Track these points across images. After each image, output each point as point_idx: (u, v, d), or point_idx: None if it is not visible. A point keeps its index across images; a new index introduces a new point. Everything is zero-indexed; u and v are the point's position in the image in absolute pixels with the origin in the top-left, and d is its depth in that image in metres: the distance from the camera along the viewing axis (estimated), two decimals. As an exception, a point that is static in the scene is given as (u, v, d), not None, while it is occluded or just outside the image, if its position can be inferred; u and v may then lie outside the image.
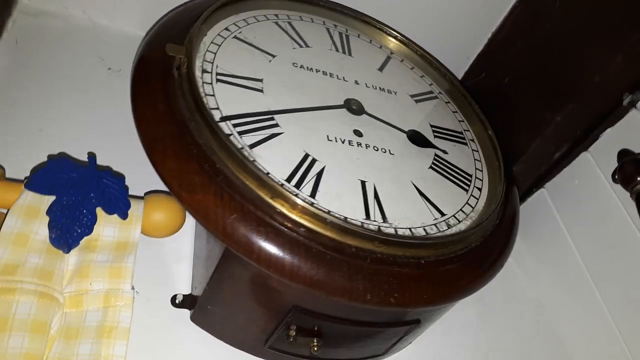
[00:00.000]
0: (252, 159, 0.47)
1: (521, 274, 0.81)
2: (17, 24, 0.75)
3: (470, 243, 0.52)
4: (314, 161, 0.51)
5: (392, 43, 0.74)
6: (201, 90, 0.51)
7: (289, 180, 0.48)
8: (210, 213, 0.43)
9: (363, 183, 0.52)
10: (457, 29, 0.87)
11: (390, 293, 0.45)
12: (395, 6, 0.81)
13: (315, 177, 0.49)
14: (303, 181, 0.48)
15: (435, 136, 0.63)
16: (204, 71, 0.53)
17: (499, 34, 0.88)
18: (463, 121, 0.68)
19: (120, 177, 0.49)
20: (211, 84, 0.52)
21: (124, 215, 0.47)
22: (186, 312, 0.54)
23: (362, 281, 0.44)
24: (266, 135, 0.50)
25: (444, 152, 0.61)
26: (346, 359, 0.55)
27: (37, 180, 0.44)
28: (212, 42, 0.57)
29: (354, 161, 0.53)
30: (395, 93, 0.66)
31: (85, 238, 0.45)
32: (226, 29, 0.60)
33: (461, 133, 0.66)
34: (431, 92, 0.70)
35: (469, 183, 0.59)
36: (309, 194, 0.47)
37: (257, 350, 0.53)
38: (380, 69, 0.69)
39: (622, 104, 0.69)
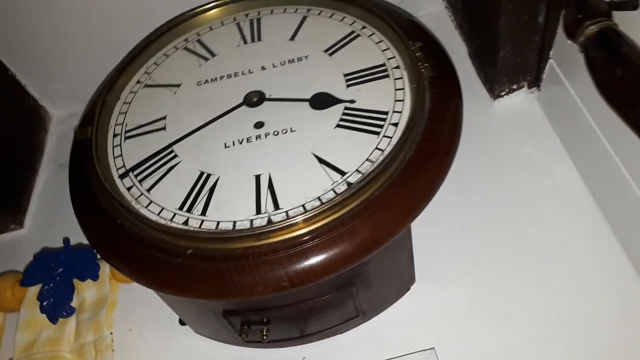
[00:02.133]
0: (147, 203, 0.54)
1: (554, 165, 0.70)
2: (55, 137, 0.94)
3: (372, 193, 0.49)
4: (208, 176, 0.55)
5: (307, 0, 0.70)
6: (110, 156, 0.59)
7: (181, 207, 0.53)
8: (120, 262, 0.52)
9: (257, 177, 0.54)
10: None
11: (280, 279, 0.47)
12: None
13: (208, 192, 0.54)
14: (196, 201, 0.53)
15: (348, 85, 0.60)
16: (114, 135, 0.62)
17: None
18: (388, 49, 0.62)
19: (89, 248, 0.61)
20: (120, 145, 0.60)
21: (95, 278, 0.59)
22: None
23: (249, 278, 0.47)
24: (164, 171, 0.57)
25: (352, 101, 0.58)
26: (323, 329, 0.59)
27: (27, 277, 0.59)
28: (124, 103, 0.65)
29: (249, 158, 0.55)
30: (307, 57, 0.64)
31: (77, 303, 0.59)
32: (138, 81, 0.67)
33: (383, 65, 0.61)
34: (352, 32, 0.65)
35: (382, 123, 0.55)
36: (200, 212, 0.52)
37: (243, 343, 0.60)
38: (292, 37, 0.67)
39: None
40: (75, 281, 0.59)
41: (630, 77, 0.40)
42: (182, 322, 0.65)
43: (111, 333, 0.58)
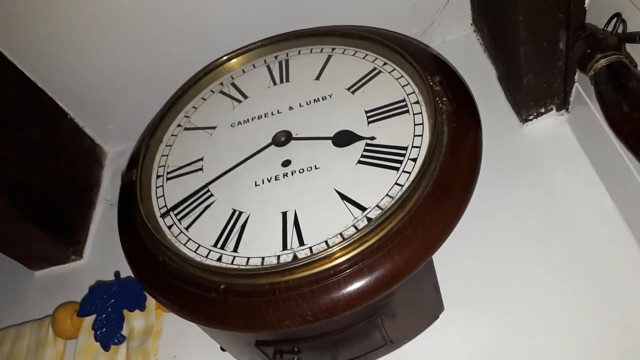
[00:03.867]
0: (185, 241, 0.59)
1: (586, 188, 0.69)
2: (110, 172, 1.03)
3: (391, 229, 0.52)
4: (240, 214, 0.59)
5: (332, 40, 0.74)
6: (153, 197, 0.65)
7: (216, 244, 0.57)
8: (161, 295, 0.57)
9: (284, 214, 0.57)
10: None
11: (304, 313, 0.50)
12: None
13: (239, 229, 0.58)
14: (229, 238, 0.58)
15: (369, 122, 0.63)
16: (157, 177, 0.67)
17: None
18: (408, 84, 0.65)
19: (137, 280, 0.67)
20: (162, 186, 0.66)
21: (142, 308, 0.64)
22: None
23: (276, 312, 0.51)
24: (201, 210, 0.61)
25: (372, 138, 0.60)
26: (354, 357, 0.61)
27: (83, 308, 0.65)
28: (166, 145, 0.71)
29: (276, 196, 0.59)
30: (331, 96, 0.68)
31: (127, 332, 0.64)
32: (178, 125, 0.73)
33: (403, 100, 0.63)
34: (374, 69, 0.68)
35: (401, 159, 0.58)
36: (233, 249, 0.56)
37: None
38: (318, 76, 0.71)
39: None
40: (125, 311, 0.65)
41: (637, 114, 0.40)
42: (222, 349, 0.69)
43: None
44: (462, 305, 0.65)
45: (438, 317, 0.64)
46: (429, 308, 0.63)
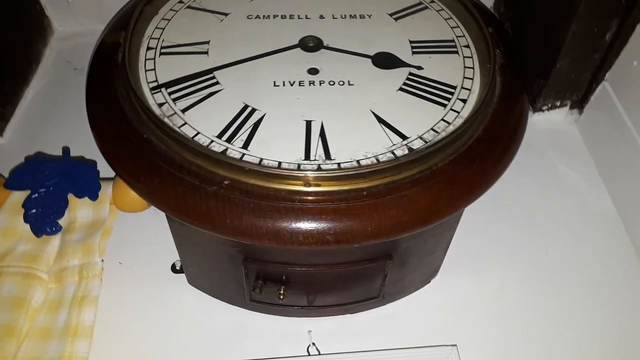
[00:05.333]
0: (180, 124, 0.48)
1: (588, 188, 0.68)
2: (54, 52, 0.85)
3: (435, 163, 0.45)
4: (253, 111, 0.49)
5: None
6: (141, 67, 0.53)
7: (220, 135, 0.47)
8: (140, 180, 0.45)
9: (309, 123, 0.49)
10: None
11: (324, 233, 0.42)
12: None
13: (252, 127, 0.48)
14: (237, 133, 0.47)
15: (413, 52, 0.56)
16: (148, 49, 0.55)
17: None
18: (457, 27, 0.59)
19: (91, 163, 0.53)
20: (153, 59, 0.54)
21: (93, 197, 0.51)
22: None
23: (291, 223, 0.42)
24: (203, 95, 0.50)
25: (419, 68, 0.54)
26: (337, 303, 0.53)
27: (14, 179, 0.51)
28: (162, 19, 0.58)
29: (301, 102, 0.50)
30: (370, 16, 0.60)
31: (66, 222, 0.51)
32: (180, 1, 0.61)
33: (452, 41, 0.57)
34: (420, 3, 0.62)
35: (449, 97, 0.51)
36: (242, 146, 0.46)
37: (245, 304, 0.54)
38: (356, -6, 0.63)
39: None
40: (70, 197, 0.51)
41: None
42: (175, 270, 0.58)
43: (102, 260, 0.51)
44: (456, 274, 0.60)
45: (429, 281, 0.59)
46: (430, 268, 0.57)
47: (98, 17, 0.87)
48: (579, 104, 0.73)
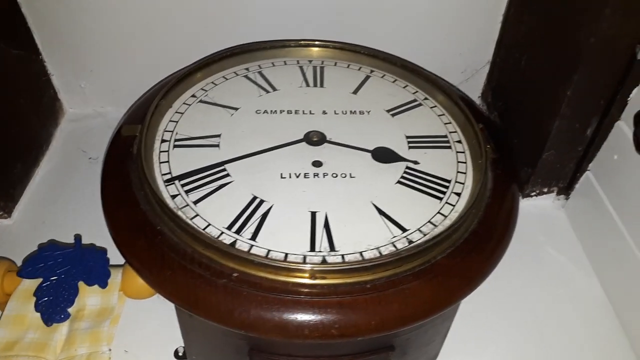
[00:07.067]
0: (192, 216, 0.50)
1: (577, 272, 0.71)
2: (64, 134, 0.89)
3: (434, 256, 0.48)
4: (261, 202, 0.52)
5: (372, 61, 0.72)
6: (155, 159, 0.56)
7: (230, 227, 0.50)
8: (152, 272, 0.47)
9: (313, 214, 0.51)
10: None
11: (330, 326, 0.43)
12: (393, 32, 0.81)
13: (260, 217, 0.51)
14: (246, 224, 0.50)
15: (410, 147, 0.60)
16: (162, 141, 0.58)
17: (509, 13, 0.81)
18: (450, 123, 0.64)
19: (102, 251, 0.55)
20: (167, 151, 0.57)
21: (103, 285, 0.53)
22: (188, 364, 0.58)
23: (297, 317, 0.44)
24: (214, 187, 0.53)
25: (415, 162, 0.58)
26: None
27: (27, 267, 0.52)
28: (176, 112, 0.62)
29: (306, 194, 0.53)
30: (369, 112, 0.65)
31: (75, 309, 0.52)
32: (193, 95, 0.65)
33: (445, 136, 0.62)
34: (414, 100, 0.67)
35: (445, 190, 0.55)
36: (250, 237, 0.49)
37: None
38: (355, 91, 0.68)
39: (636, 59, 0.59)
40: (80, 284, 0.52)
41: None
42: (178, 356, 0.58)
43: (109, 350, 0.51)
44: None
45: (429, 368, 0.60)
46: (429, 356, 0.58)
47: (108, 100, 0.92)
48: (565, 191, 0.77)
